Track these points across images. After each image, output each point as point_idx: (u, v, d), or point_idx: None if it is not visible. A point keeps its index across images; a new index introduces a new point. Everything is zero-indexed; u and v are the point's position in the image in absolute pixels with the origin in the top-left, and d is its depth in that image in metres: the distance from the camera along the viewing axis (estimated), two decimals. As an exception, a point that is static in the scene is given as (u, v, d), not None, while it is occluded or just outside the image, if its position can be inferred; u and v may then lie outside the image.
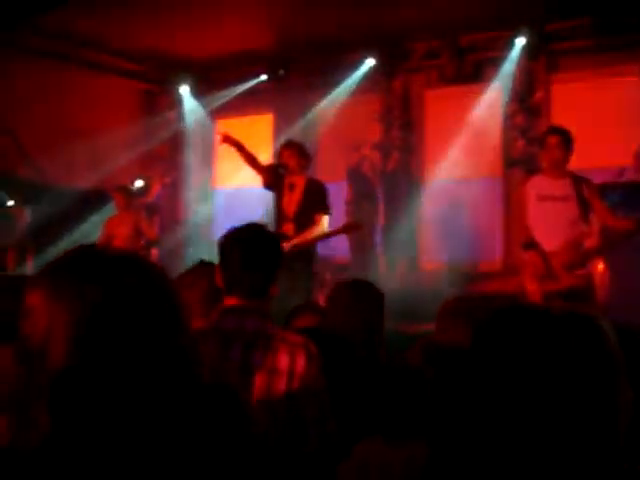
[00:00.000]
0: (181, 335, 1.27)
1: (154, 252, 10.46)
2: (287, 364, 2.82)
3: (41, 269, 1.28)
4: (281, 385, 2.81)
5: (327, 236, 7.68)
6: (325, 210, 7.51)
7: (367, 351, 3.70)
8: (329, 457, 2.78)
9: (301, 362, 2.83)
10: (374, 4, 9.51)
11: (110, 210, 10.62)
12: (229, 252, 3.01)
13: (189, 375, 1.27)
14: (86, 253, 1.31)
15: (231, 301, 2.98)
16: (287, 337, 2.93)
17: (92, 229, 11.13)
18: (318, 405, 2.83)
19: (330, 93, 11.56)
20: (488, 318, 1.33)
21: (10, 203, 10.93)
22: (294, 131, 11.39)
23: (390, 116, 11.61)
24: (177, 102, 12.90)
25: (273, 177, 7.80)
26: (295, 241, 7.29)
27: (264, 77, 12.01)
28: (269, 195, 8.97)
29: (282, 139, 10.85)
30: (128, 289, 1.24)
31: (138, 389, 1.19)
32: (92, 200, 11.58)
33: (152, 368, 1.21)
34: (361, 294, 3.89)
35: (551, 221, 6.41)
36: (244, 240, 3.02)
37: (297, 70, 11.83)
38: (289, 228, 7.50)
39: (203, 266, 4.50)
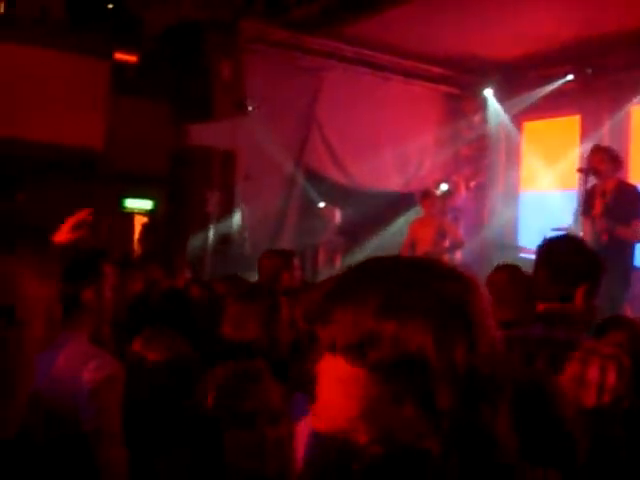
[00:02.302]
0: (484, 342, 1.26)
1: (458, 255, 10.55)
2: (597, 377, 2.73)
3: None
4: (591, 398, 2.73)
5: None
6: (638, 216, 7.21)
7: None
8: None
9: (612, 376, 2.72)
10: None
11: (416, 213, 10.86)
12: (541, 261, 3.02)
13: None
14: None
15: (540, 308, 2.98)
16: (598, 348, 2.84)
17: (398, 231, 11.45)
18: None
19: (641, 91, 10.94)
20: None
21: (321, 205, 11.52)
22: (602, 133, 10.98)
23: None
24: (481, 105, 12.88)
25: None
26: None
27: (570, 77, 11.63)
28: (575, 199, 8.76)
29: (589, 141, 10.52)
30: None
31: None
32: (398, 203, 11.92)
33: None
34: None
35: None
36: (555, 250, 3.02)
37: (604, 68, 11.31)
38: (598, 235, 7.28)
39: (510, 269, 4.51)
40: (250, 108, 9.86)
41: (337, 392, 1.24)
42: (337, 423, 1.25)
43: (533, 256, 3.12)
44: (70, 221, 3.81)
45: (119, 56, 9.83)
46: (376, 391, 1.21)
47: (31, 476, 1.38)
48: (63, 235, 3.72)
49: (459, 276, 1.31)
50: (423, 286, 1.26)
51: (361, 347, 1.20)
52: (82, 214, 3.90)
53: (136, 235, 9.69)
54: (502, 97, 12.57)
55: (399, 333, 1.19)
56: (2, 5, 9.26)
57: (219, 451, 2.14)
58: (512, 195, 12.86)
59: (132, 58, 9.89)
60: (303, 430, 2.51)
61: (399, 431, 1.21)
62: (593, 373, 2.74)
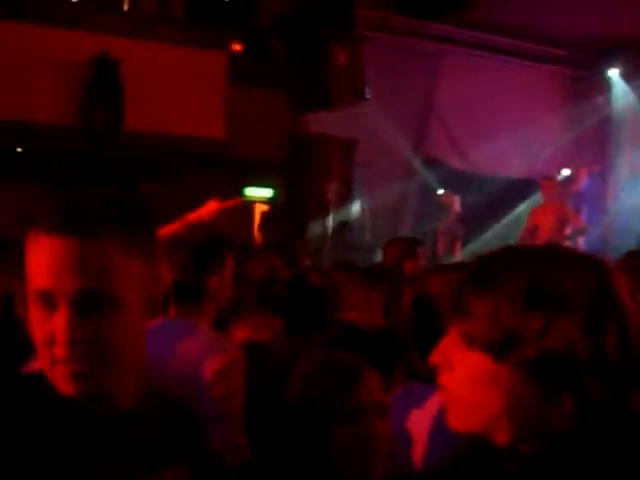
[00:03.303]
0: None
1: (580, 242, 10.29)
2: None
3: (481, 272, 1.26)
4: None
5: None
6: None
7: None
8: None
9: None
10: None
11: (537, 199, 10.65)
12: None
13: None
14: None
15: None
16: None
17: (518, 218, 11.25)
18: None
19: None
20: None
21: (441, 191, 11.43)
22: None
23: None
24: (605, 87, 12.48)
25: None
26: None
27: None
28: None
29: None
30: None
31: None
32: (520, 189, 11.71)
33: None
34: None
35: None
36: None
37: None
38: None
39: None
40: (368, 96, 9.84)
41: (477, 388, 1.21)
42: (476, 421, 1.22)
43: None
44: (218, 206, 3.89)
45: (236, 47, 9.99)
46: (522, 388, 1.17)
47: (136, 453, 1.42)
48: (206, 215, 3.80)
49: (594, 262, 1.26)
50: (564, 274, 1.20)
51: (506, 344, 1.17)
52: (231, 201, 3.99)
53: (256, 223, 9.83)
54: (630, 76, 12.14)
55: (547, 327, 1.15)
56: (126, 3, 9.56)
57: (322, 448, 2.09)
58: (638, 179, 12.41)
59: (248, 48, 10.03)
60: (422, 421, 2.46)
61: (547, 429, 1.17)
62: None
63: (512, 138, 11.54)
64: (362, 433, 2.06)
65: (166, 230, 3.31)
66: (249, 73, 10.02)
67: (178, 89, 9.31)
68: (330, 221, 10.36)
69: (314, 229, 10.18)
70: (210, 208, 3.88)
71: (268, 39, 10.25)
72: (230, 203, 3.98)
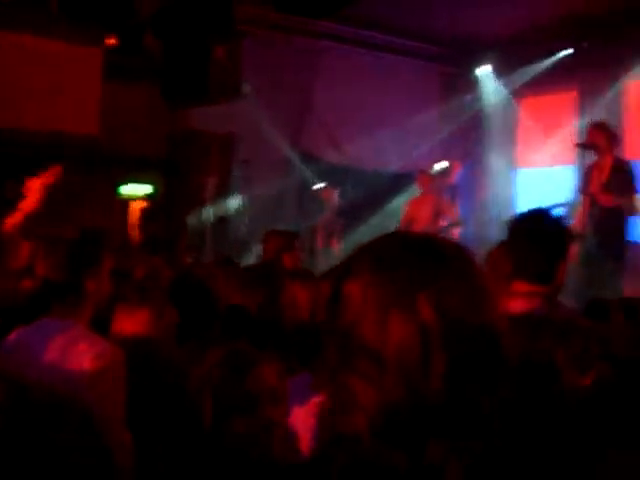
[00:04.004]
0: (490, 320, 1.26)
1: (455, 233, 10.59)
2: (578, 353, 2.70)
3: (354, 257, 1.30)
4: (572, 376, 2.75)
5: None
6: (634, 189, 7.27)
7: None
8: None
9: (593, 352, 2.72)
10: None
11: (413, 192, 10.89)
12: (516, 237, 3.04)
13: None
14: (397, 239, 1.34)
15: (518, 286, 2.99)
16: (577, 323, 2.88)
17: (395, 210, 11.48)
18: None
19: (638, 66, 10.91)
20: None
21: (319, 186, 11.56)
22: (599, 108, 10.97)
23: None
24: (477, 83, 12.87)
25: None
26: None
27: (566, 52, 11.60)
28: (573, 175, 8.76)
29: (587, 116, 10.53)
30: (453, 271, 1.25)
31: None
32: (396, 182, 11.96)
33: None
34: None
35: None
36: (531, 226, 3.04)
37: (603, 42, 11.26)
38: (594, 210, 7.34)
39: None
40: (246, 91, 9.85)
41: None
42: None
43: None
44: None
45: (111, 42, 9.81)
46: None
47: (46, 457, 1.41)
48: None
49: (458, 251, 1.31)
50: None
51: None
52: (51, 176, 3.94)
53: (134, 220, 9.71)
54: (499, 73, 12.56)
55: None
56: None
57: (218, 437, 2.14)
58: (509, 172, 12.87)
59: (123, 42, 9.86)
60: (309, 409, 2.52)
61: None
62: (575, 350, 2.71)
63: (389, 133, 11.77)
64: (259, 421, 2.13)
65: (9, 222, 3.26)
66: (125, 68, 9.85)
67: (51, 85, 9.07)
68: (209, 216, 10.32)
69: (193, 225, 10.14)
70: (33, 188, 3.82)
71: (144, 34, 10.10)
72: (50, 178, 3.93)
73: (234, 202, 10.68)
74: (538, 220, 3.07)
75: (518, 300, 2.95)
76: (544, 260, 2.97)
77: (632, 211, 7.31)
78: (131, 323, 3.13)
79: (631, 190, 7.25)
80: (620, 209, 7.23)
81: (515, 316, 2.85)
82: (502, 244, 4.18)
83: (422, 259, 1.25)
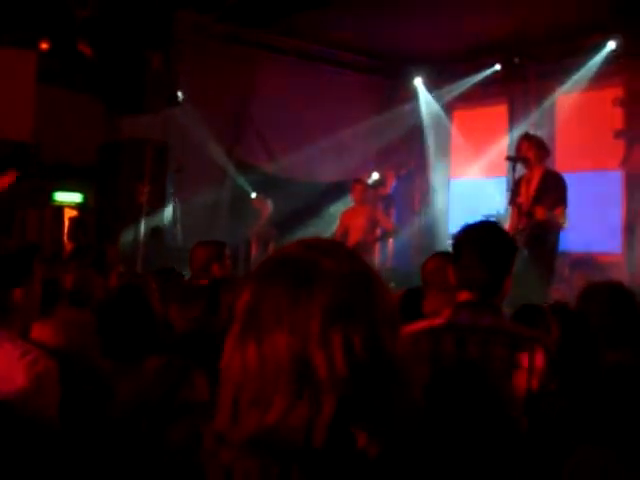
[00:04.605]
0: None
1: (390, 244, 10.67)
2: (526, 360, 2.82)
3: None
4: (521, 382, 2.83)
5: None
6: (563, 203, 7.40)
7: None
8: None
9: (540, 357, 2.82)
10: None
11: (348, 202, 10.96)
12: (463, 248, 3.04)
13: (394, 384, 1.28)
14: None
15: (464, 296, 3.01)
16: (525, 333, 2.96)
17: (330, 220, 11.52)
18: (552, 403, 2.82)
19: (568, 80, 11.17)
20: None
21: (253, 196, 11.55)
22: (529, 121, 11.20)
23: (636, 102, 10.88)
24: (412, 95, 13.01)
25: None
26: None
27: (498, 67, 11.84)
28: (501, 186, 8.90)
29: (517, 129, 10.74)
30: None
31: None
32: (331, 193, 12.01)
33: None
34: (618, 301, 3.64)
35: None
36: (479, 237, 3.04)
37: (533, 58, 11.54)
38: (523, 222, 7.48)
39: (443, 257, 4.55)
40: (181, 99, 9.81)
41: None
42: None
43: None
44: None
45: (45, 47, 9.66)
46: None
47: None
48: None
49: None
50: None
51: None
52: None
53: (66, 229, 9.57)
54: (432, 86, 12.75)
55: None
56: None
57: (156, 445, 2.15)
58: (443, 183, 13.05)
59: (57, 47, 9.72)
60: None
61: None
62: (523, 358, 2.82)
63: (324, 144, 11.82)
64: (192, 429, 2.12)
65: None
66: (59, 74, 9.71)
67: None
68: (142, 226, 10.25)
69: (126, 235, 10.05)
70: None
71: (79, 40, 9.98)
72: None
73: (168, 212, 10.62)
74: (485, 232, 3.08)
75: (464, 311, 2.98)
76: (491, 273, 2.98)
77: (558, 224, 7.44)
78: (44, 332, 3.11)
79: (558, 203, 7.38)
80: (549, 221, 7.36)
81: (463, 326, 2.94)
82: (439, 255, 4.24)
83: (295, 283, 1.27)
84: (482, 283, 2.97)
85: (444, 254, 4.17)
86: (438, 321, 3.04)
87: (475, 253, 2.98)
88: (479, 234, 3.06)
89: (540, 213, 7.29)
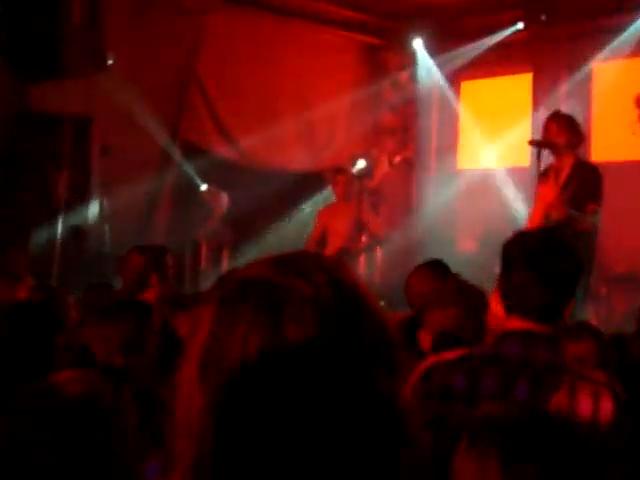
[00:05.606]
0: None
1: (378, 253, 10.64)
2: (590, 408, 2.80)
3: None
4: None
5: None
6: (596, 200, 7.40)
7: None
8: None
9: (607, 406, 2.80)
10: None
11: (326, 198, 10.90)
12: (515, 263, 3.01)
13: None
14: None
15: (514, 323, 2.98)
16: (587, 373, 2.95)
17: (303, 221, 11.49)
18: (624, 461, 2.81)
19: (608, 44, 11.12)
20: None
21: (204, 187, 11.47)
22: (559, 96, 11.18)
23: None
24: (410, 60, 12.98)
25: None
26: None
27: (520, 25, 11.79)
28: (523, 178, 8.83)
29: (543, 106, 10.71)
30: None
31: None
32: (304, 185, 11.96)
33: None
34: None
35: None
36: (536, 249, 3.02)
37: (563, 15, 11.50)
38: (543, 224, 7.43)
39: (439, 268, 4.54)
40: (110, 62, 9.71)
41: None
42: None
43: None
44: None
45: None
46: None
47: None
48: None
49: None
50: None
51: None
52: None
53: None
54: (435, 50, 12.70)
55: None
56: None
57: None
58: (447, 174, 12.99)
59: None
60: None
61: None
62: (585, 405, 2.81)
63: (295, 122, 11.80)
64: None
65: None
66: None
67: None
68: (59, 226, 10.13)
69: (38, 236, 9.92)
70: None
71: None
72: None
73: (93, 207, 10.51)
74: (545, 243, 3.06)
75: (512, 340, 2.96)
76: (551, 296, 2.97)
77: (587, 227, 7.38)
78: None
79: (590, 199, 7.34)
80: (574, 223, 7.29)
81: (510, 359, 2.92)
82: (422, 268, 4.20)
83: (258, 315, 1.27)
84: (539, 308, 2.96)
85: (430, 265, 4.23)
86: (474, 351, 3.06)
87: (531, 270, 2.97)
88: (537, 246, 3.03)
89: (558, 212, 7.22)
